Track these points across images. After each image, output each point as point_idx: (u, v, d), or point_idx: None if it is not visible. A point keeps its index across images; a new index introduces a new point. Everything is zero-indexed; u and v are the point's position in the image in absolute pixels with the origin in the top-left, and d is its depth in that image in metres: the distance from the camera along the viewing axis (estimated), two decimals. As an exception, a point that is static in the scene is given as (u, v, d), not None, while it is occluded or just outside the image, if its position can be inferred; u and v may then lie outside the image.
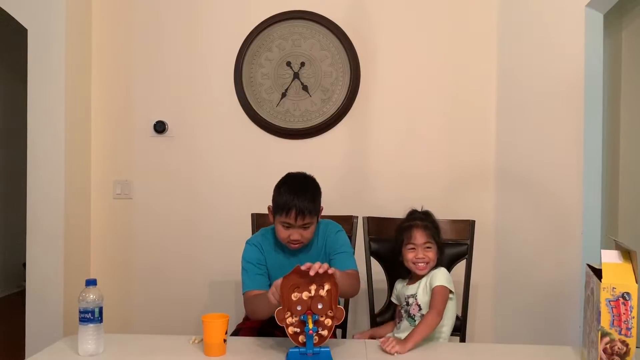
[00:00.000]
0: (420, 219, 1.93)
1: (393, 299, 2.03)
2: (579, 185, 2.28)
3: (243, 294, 1.89)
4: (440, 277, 1.84)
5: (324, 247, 1.95)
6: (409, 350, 1.58)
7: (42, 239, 2.69)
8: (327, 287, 1.47)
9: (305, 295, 1.46)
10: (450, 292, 1.84)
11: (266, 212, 2.22)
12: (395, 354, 1.55)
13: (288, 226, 1.83)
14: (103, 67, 2.94)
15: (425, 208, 2.01)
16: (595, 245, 2.27)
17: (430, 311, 1.75)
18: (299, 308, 1.45)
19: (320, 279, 1.47)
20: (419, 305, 1.84)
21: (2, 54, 4.79)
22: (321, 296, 1.46)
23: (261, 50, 2.87)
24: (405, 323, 1.88)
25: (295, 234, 1.83)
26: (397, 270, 2.04)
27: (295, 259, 1.92)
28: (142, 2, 2.93)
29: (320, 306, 1.45)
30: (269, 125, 2.86)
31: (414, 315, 1.84)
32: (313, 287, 1.46)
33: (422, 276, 1.89)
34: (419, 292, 1.86)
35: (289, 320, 1.46)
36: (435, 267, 1.91)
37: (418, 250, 1.87)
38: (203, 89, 2.91)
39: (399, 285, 1.99)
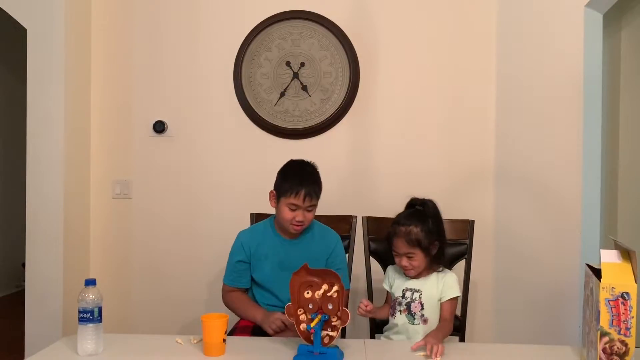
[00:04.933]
0: (405, 223, 1.81)
1: (386, 286, 1.95)
2: (578, 185, 2.28)
3: (223, 281, 2.08)
4: (453, 287, 1.82)
5: (326, 249, 2.07)
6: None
7: (42, 239, 2.69)
8: (336, 287, 1.48)
9: (317, 294, 1.49)
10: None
11: (265, 212, 2.24)
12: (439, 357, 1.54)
13: (294, 208, 1.94)
14: (102, 66, 2.93)
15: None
16: (594, 245, 2.27)
17: (447, 323, 1.77)
18: (310, 306, 1.48)
19: (330, 279, 1.49)
20: (422, 304, 1.81)
21: (1, 54, 4.79)
22: (331, 297, 1.47)
23: (260, 50, 2.87)
24: (403, 319, 1.82)
25: (300, 216, 1.94)
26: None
27: (294, 248, 2.03)
28: (142, 2, 2.92)
29: (330, 306, 1.47)
30: (268, 125, 2.86)
31: (415, 313, 1.81)
32: (325, 287, 1.48)
33: (424, 272, 1.86)
34: (425, 290, 1.82)
35: (302, 317, 1.50)
36: (438, 263, 1.87)
37: (402, 258, 1.82)
38: (202, 88, 2.91)
39: (396, 273, 1.92)
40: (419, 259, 1.81)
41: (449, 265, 2.13)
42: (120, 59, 2.94)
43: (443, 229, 1.88)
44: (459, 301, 2.13)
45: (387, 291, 1.95)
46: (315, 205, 1.98)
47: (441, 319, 1.81)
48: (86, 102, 2.91)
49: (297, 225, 1.97)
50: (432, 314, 1.82)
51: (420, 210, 1.86)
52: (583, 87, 2.26)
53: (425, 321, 1.80)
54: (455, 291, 1.82)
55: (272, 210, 2.08)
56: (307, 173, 1.99)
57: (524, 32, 2.63)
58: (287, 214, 1.95)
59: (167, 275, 2.92)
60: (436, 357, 1.52)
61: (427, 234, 1.80)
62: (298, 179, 1.94)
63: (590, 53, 2.27)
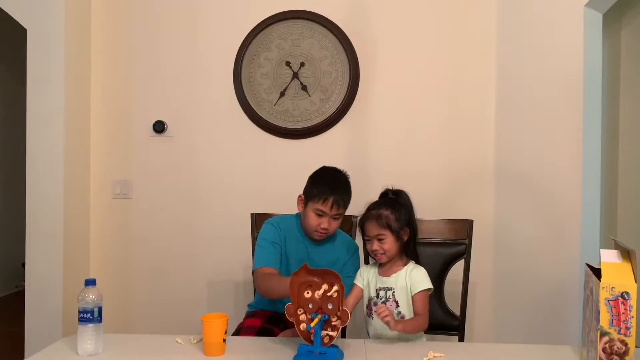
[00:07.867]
0: (376, 207, 1.84)
1: (358, 282, 1.89)
2: (578, 185, 2.28)
3: (254, 271, 1.96)
4: (422, 280, 1.80)
5: (345, 255, 2.05)
6: (395, 330, 1.65)
7: (42, 239, 2.69)
8: (335, 287, 1.48)
9: (317, 294, 1.49)
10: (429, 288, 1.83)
11: (266, 212, 2.24)
12: (385, 322, 1.62)
13: (321, 214, 1.93)
14: (102, 66, 2.94)
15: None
16: (594, 245, 2.27)
17: (421, 317, 1.76)
18: (310, 306, 1.48)
19: (330, 278, 1.49)
20: (397, 302, 1.79)
21: (1, 54, 4.79)
22: (331, 296, 1.48)
23: (260, 50, 2.87)
24: (379, 321, 1.77)
25: (325, 223, 1.93)
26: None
27: (315, 250, 2.00)
28: (142, 2, 2.93)
29: (330, 306, 1.47)
30: (268, 125, 2.86)
31: (391, 312, 1.77)
32: (325, 287, 1.48)
33: (395, 268, 1.84)
34: (397, 286, 1.80)
35: (302, 317, 1.50)
36: (408, 257, 1.86)
37: (373, 242, 1.82)
38: (202, 88, 2.91)
39: (369, 272, 1.88)
40: (389, 242, 1.80)
41: (448, 264, 2.14)
42: (120, 58, 2.94)
43: (414, 220, 1.87)
44: (458, 299, 2.14)
45: (355, 285, 1.88)
46: (342, 215, 1.96)
47: (415, 313, 1.78)
48: (86, 102, 2.91)
49: (322, 233, 1.96)
50: (408, 308, 1.79)
51: (393, 199, 1.87)
52: (583, 86, 2.26)
53: (402, 318, 1.78)
54: (425, 283, 1.79)
55: (272, 211, 2.08)
56: (338, 181, 1.97)
57: (524, 32, 2.62)
58: (313, 220, 1.94)
59: (167, 275, 2.91)
60: (378, 313, 1.62)
61: (397, 219, 1.81)
62: (328, 185, 1.93)
63: (590, 53, 2.27)
